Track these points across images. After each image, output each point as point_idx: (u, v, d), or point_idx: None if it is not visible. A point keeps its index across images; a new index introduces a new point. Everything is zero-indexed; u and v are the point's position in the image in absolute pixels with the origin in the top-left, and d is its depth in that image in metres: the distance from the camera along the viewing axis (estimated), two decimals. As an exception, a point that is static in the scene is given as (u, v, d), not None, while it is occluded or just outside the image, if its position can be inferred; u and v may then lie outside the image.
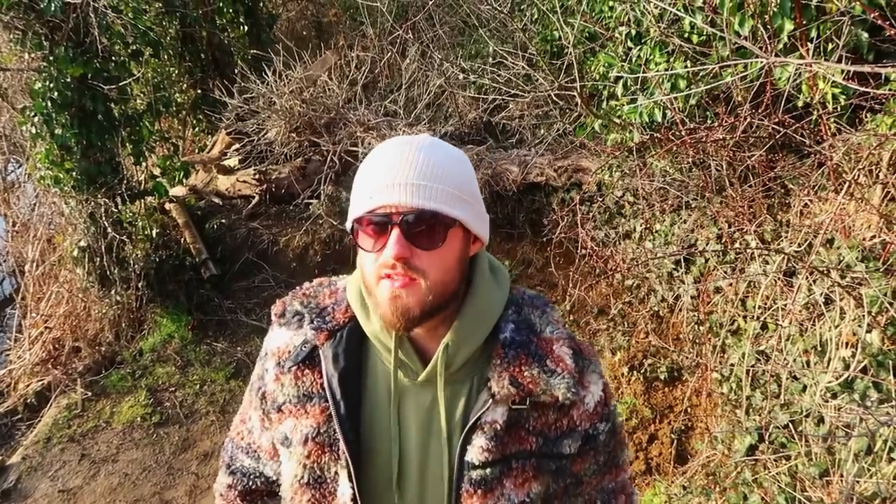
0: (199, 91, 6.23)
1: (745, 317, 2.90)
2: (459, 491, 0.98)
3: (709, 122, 3.16)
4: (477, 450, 0.97)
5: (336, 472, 1.01)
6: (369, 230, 0.93)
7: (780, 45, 2.60)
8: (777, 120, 2.71)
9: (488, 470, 0.98)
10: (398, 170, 0.91)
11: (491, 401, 0.97)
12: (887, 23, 2.20)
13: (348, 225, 0.98)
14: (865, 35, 2.44)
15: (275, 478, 1.15)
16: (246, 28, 6.36)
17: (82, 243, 4.63)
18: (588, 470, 1.10)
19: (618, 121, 3.59)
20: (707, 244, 3.22)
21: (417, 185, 0.91)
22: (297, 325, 1.05)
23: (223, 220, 5.45)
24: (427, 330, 0.99)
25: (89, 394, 4.29)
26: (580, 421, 1.03)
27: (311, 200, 5.05)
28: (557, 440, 1.02)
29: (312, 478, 1.02)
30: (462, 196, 0.95)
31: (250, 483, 1.19)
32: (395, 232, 0.90)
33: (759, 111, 2.78)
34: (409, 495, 1.02)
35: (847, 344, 2.35)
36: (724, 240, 3.13)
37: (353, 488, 0.99)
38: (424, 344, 1.01)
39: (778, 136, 2.79)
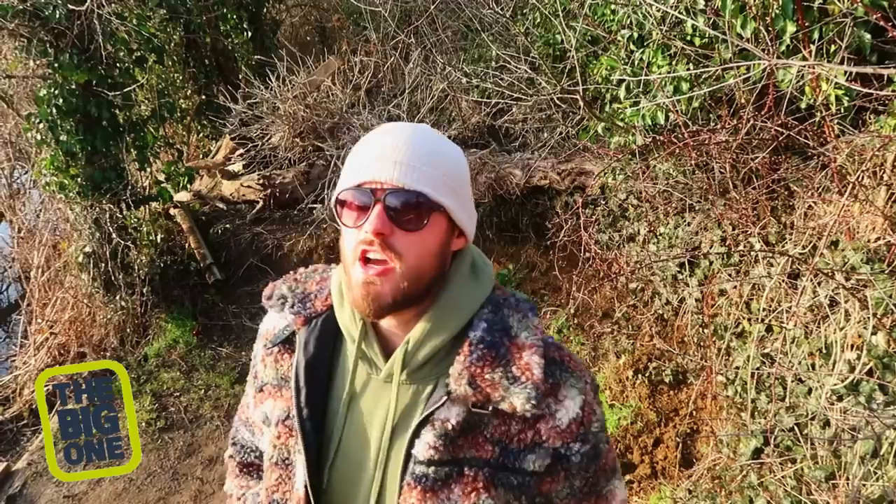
0: (203, 97, 6.27)
1: (749, 319, 2.89)
2: (402, 484, 0.93)
3: (712, 124, 3.16)
4: (423, 445, 0.91)
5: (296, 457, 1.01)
6: (353, 205, 0.92)
7: (783, 47, 2.60)
8: (780, 122, 2.70)
9: (433, 469, 0.92)
10: (391, 148, 0.91)
11: (446, 398, 0.92)
12: (890, 24, 2.20)
13: (332, 202, 0.96)
14: (868, 36, 2.44)
15: None
16: (249, 34, 6.40)
17: (87, 249, 4.64)
18: (560, 493, 1.01)
19: (620, 124, 3.59)
20: (711, 247, 3.21)
21: (407, 165, 0.89)
22: (280, 308, 1.06)
23: (227, 226, 5.47)
24: (398, 323, 0.97)
25: (94, 399, 4.30)
26: (548, 437, 0.95)
27: (315, 205, 5.07)
28: (520, 454, 0.95)
29: (281, 458, 1.03)
30: (451, 184, 0.93)
31: (247, 457, 1.24)
32: (378, 208, 0.88)
33: (762, 113, 2.78)
34: (365, 489, 0.97)
35: (852, 346, 2.34)
36: (728, 242, 3.12)
37: (305, 475, 0.96)
38: (393, 338, 0.99)
39: (781, 138, 2.78)
